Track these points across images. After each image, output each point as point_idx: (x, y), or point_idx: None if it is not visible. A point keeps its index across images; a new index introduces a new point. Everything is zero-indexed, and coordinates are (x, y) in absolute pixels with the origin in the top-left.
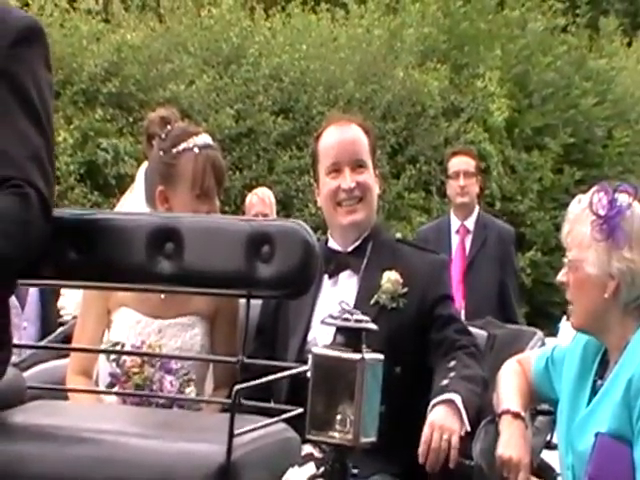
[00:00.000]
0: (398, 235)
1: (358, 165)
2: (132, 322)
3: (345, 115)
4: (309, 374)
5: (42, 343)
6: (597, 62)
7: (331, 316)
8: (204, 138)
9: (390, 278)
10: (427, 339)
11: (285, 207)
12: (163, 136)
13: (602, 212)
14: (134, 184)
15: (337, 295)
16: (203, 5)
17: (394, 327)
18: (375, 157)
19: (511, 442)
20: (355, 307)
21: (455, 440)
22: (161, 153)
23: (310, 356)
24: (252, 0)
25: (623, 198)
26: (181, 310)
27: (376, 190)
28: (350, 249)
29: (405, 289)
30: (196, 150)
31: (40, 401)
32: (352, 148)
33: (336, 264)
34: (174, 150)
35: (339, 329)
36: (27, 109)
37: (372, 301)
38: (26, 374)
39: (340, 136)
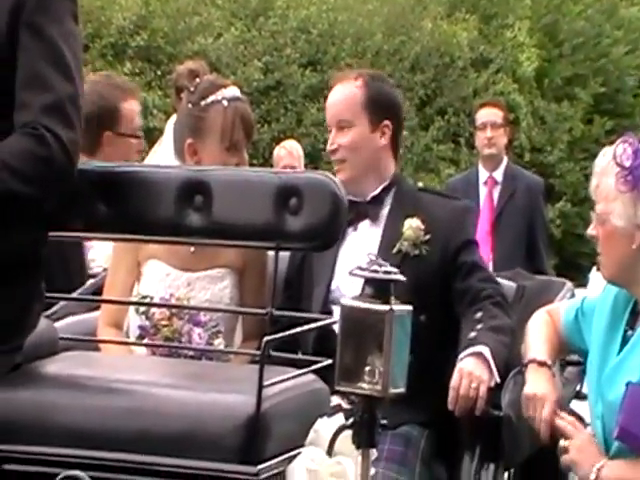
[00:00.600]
0: (420, 184)
1: (341, 126)
2: (162, 275)
3: (347, 72)
4: (336, 326)
5: (73, 295)
6: (628, 10)
7: (359, 267)
8: (232, 91)
9: (411, 225)
10: (452, 287)
11: (313, 160)
12: (192, 89)
13: (627, 163)
14: (163, 137)
15: (359, 244)
16: None
17: (418, 275)
18: (377, 109)
19: (536, 383)
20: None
21: (483, 390)
22: (190, 106)
23: (338, 307)
24: None
25: None
26: (210, 263)
27: (371, 143)
28: (369, 198)
29: (428, 236)
30: (225, 103)
31: (72, 352)
32: (335, 109)
33: (356, 213)
34: (203, 103)
35: (367, 280)
36: (53, 58)
37: (395, 249)
38: (58, 325)
39: (330, 98)
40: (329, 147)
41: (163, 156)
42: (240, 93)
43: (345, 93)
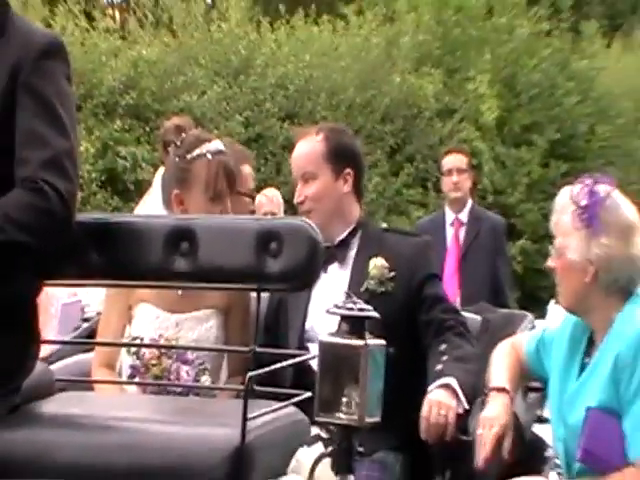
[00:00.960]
0: (384, 225)
1: (305, 178)
2: (151, 317)
3: (309, 128)
4: (312, 362)
5: (68, 338)
6: (579, 63)
7: (336, 306)
8: (216, 144)
9: (376, 264)
10: (417, 320)
11: (292, 206)
12: (178, 143)
13: (582, 202)
14: (151, 189)
15: (330, 286)
16: (213, 20)
17: (386, 310)
18: (338, 159)
19: (492, 407)
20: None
21: (451, 416)
22: (177, 159)
23: (313, 344)
24: (258, 14)
25: (602, 189)
26: (197, 305)
27: (335, 192)
28: (336, 242)
29: (392, 273)
30: (209, 156)
31: (67, 392)
32: (299, 163)
33: (325, 257)
34: (188, 156)
35: (343, 317)
36: (49, 116)
37: (362, 288)
38: (54, 367)
39: (294, 153)
40: (296, 199)
41: (152, 206)
42: (223, 146)
43: (307, 147)
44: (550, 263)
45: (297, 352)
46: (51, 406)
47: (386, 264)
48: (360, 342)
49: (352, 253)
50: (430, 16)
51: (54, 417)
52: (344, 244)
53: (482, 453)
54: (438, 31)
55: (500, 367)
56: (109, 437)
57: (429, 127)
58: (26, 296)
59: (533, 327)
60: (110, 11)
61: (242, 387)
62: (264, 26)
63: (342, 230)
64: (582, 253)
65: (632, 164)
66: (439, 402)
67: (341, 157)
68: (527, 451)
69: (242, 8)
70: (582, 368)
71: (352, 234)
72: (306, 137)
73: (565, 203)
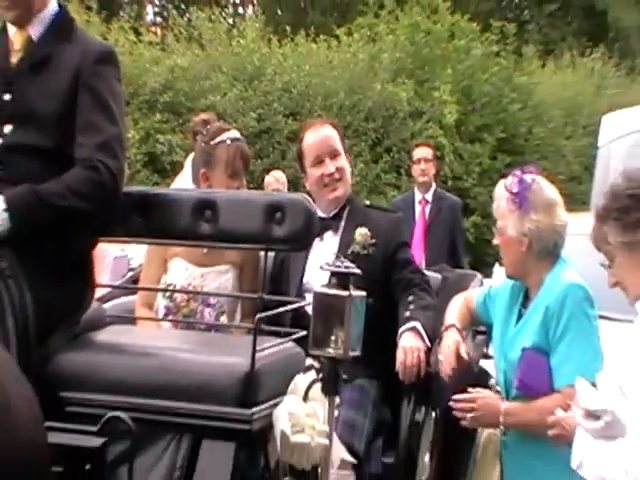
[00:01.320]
0: (367, 202)
1: (334, 154)
2: (182, 269)
3: (318, 119)
4: (307, 308)
5: (117, 283)
6: (520, 78)
7: (327, 264)
8: (234, 133)
9: (361, 232)
10: (391, 277)
11: (294, 185)
12: (204, 132)
13: (514, 190)
14: (184, 169)
15: (324, 249)
16: (233, 37)
17: (367, 269)
18: (344, 145)
19: (446, 338)
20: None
21: (422, 356)
22: (203, 145)
23: (309, 294)
24: (269, 33)
25: (528, 177)
26: (218, 261)
27: (348, 169)
28: (331, 215)
29: (373, 240)
30: (228, 142)
31: (115, 326)
32: (328, 142)
33: (321, 226)
34: (212, 142)
35: (333, 273)
36: (103, 110)
37: (349, 251)
38: (105, 306)
39: (318, 135)
40: (329, 171)
41: (183, 182)
42: (240, 135)
43: (330, 132)
44: (495, 241)
45: (296, 300)
46: (102, 336)
47: (369, 233)
48: (345, 293)
49: (342, 223)
50: (405, 38)
51: (105, 344)
52: (337, 216)
53: (447, 366)
54: (411, 50)
55: (453, 312)
56: (147, 361)
57: (403, 125)
58: (84, 251)
59: (482, 284)
60: (153, 28)
61: (252, 326)
62: (273, 42)
63: (336, 204)
64: (517, 229)
65: (560, 158)
66: (411, 347)
67: (344, 144)
68: (475, 380)
69: (256, 28)
70: (519, 317)
71: (342, 209)
72: (321, 125)
73: (501, 192)
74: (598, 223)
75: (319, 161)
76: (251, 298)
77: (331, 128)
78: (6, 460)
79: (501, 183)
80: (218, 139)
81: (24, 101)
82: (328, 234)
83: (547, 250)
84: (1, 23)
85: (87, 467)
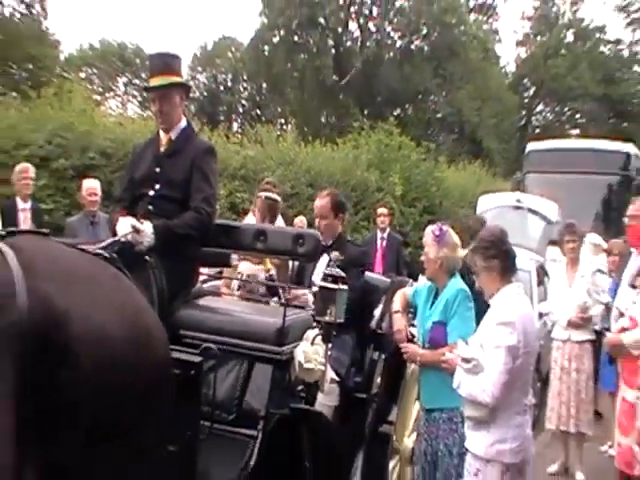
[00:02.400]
0: (349, 238)
1: (323, 217)
2: (247, 266)
3: (325, 190)
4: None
5: (211, 273)
6: (437, 174)
7: (326, 269)
8: (269, 194)
9: (335, 254)
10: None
11: (310, 225)
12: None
13: (436, 232)
14: (249, 213)
15: (322, 262)
16: (280, 141)
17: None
18: (338, 209)
19: (395, 319)
20: (327, 266)
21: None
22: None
23: (317, 287)
24: (299, 140)
25: (444, 227)
26: (266, 263)
27: (336, 224)
28: (327, 244)
29: (342, 257)
30: (263, 197)
31: (208, 296)
32: (319, 209)
33: (322, 250)
34: (257, 195)
35: (327, 275)
36: (206, 180)
37: (332, 263)
38: (204, 285)
39: (316, 203)
40: (317, 225)
41: (250, 220)
42: (274, 195)
43: (323, 202)
44: (423, 258)
45: (307, 289)
46: (202, 301)
47: (339, 255)
48: (335, 286)
49: (331, 250)
50: (374, 147)
51: (203, 306)
52: (330, 245)
53: (398, 334)
54: (377, 154)
55: (397, 301)
56: (226, 317)
57: (372, 195)
58: (193, 255)
59: (412, 285)
60: (237, 135)
61: (284, 302)
62: (301, 145)
63: (332, 238)
64: (435, 255)
65: (455, 220)
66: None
67: (337, 208)
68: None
69: (292, 137)
70: (432, 304)
71: (334, 241)
72: (322, 195)
73: (428, 233)
74: (472, 255)
75: (315, 218)
76: (282, 286)
77: (326, 197)
78: (149, 368)
79: (429, 228)
80: (259, 194)
81: (167, 172)
82: (325, 255)
83: (450, 268)
84: (156, 130)
85: (192, 372)
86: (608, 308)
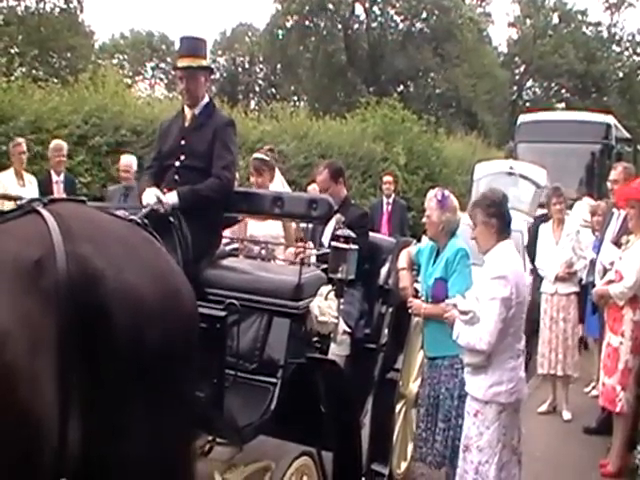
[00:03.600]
0: (353, 202)
1: (325, 188)
2: (258, 226)
3: (326, 161)
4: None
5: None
6: (436, 144)
7: (336, 229)
8: (261, 155)
9: (337, 216)
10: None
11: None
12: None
13: (438, 197)
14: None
15: (331, 224)
16: (293, 116)
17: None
18: (337, 175)
19: (401, 276)
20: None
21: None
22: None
23: (331, 246)
24: (311, 115)
25: (446, 192)
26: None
27: (339, 189)
28: (335, 208)
29: (343, 219)
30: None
31: (231, 257)
32: (321, 184)
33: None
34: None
35: (339, 236)
36: (226, 149)
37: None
38: (226, 247)
39: (317, 179)
40: (320, 192)
41: (275, 187)
42: (266, 157)
43: (323, 171)
44: (425, 221)
45: (321, 249)
46: (224, 262)
47: (342, 217)
48: (347, 246)
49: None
50: (380, 120)
51: (226, 266)
52: (337, 210)
53: (405, 290)
54: (382, 126)
55: (402, 259)
56: (247, 275)
57: (378, 164)
58: (216, 219)
59: (416, 244)
60: (254, 111)
61: (299, 261)
62: (313, 120)
63: (338, 204)
64: (438, 218)
65: (455, 185)
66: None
67: (335, 174)
68: (413, 295)
69: (305, 112)
70: (434, 262)
71: (341, 205)
72: (320, 171)
73: (431, 198)
74: (473, 208)
75: (321, 191)
76: (297, 246)
77: (325, 172)
78: (178, 323)
79: (431, 192)
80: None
81: (191, 144)
82: (334, 217)
83: (450, 230)
84: (181, 106)
85: (217, 326)
86: (592, 263)
